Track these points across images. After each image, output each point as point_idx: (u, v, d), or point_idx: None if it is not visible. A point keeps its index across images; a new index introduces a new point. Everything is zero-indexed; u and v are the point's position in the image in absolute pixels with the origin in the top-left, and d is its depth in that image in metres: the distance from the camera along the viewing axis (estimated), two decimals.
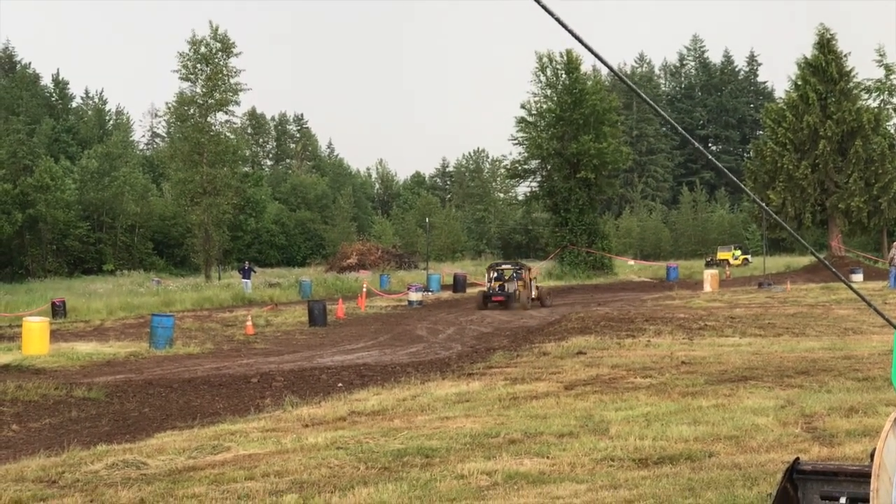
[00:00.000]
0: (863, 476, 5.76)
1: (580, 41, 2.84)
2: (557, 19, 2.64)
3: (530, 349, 27.25)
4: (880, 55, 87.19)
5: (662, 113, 3.11)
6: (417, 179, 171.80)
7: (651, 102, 3.04)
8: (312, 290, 62.74)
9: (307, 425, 16.06)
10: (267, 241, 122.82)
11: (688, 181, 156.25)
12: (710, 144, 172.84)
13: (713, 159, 3.42)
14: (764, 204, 75.17)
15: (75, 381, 23.48)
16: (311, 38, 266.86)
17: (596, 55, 2.85)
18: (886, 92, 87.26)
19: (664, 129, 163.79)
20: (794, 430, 13.53)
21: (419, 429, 15.00)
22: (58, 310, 48.82)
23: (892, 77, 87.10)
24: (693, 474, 11.04)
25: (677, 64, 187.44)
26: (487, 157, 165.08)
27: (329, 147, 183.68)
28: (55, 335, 35.23)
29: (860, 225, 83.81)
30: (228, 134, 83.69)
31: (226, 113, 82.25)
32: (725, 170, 3.23)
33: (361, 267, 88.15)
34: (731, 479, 10.56)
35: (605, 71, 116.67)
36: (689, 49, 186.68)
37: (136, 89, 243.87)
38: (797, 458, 6.10)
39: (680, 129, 3.16)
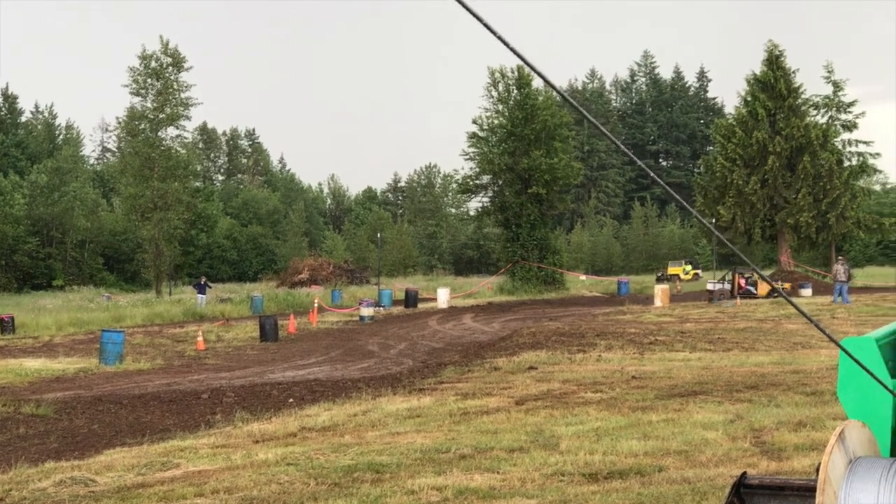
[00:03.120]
0: (809, 490, 5.80)
1: (522, 59, 2.86)
2: (499, 38, 2.66)
3: (481, 364, 27.25)
4: (828, 71, 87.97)
5: (603, 130, 3.13)
6: (369, 194, 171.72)
7: (594, 121, 3.06)
8: (264, 305, 62.50)
9: (257, 441, 16.01)
10: (218, 257, 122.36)
11: (639, 196, 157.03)
12: (660, 160, 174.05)
13: (653, 174, 3.45)
14: (704, 218, 75.52)
15: (23, 398, 23.26)
16: (263, 52, 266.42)
17: (536, 71, 2.86)
18: (834, 108, 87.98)
19: (621, 143, 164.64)
20: (743, 445, 13.62)
21: (370, 444, 14.98)
22: (6, 326, 48.35)
23: (839, 93, 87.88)
24: (642, 489, 11.08)
25: (628, 80, 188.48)
26: (439, 173, 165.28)
27: (281, 162, 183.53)
28: (3, 351, 34.96)
29: (809, 240, 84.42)
30: (179, 149, 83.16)
31: (176, 128, 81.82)
32: (666, 185, 3.26)
33: (313, 282, 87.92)
34: (680, 494, 10.61)
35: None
36: (639, 65, 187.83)
37: (87, 104, 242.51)
38: (744, 473, 6.13)
39: (620, 145, 3.17)
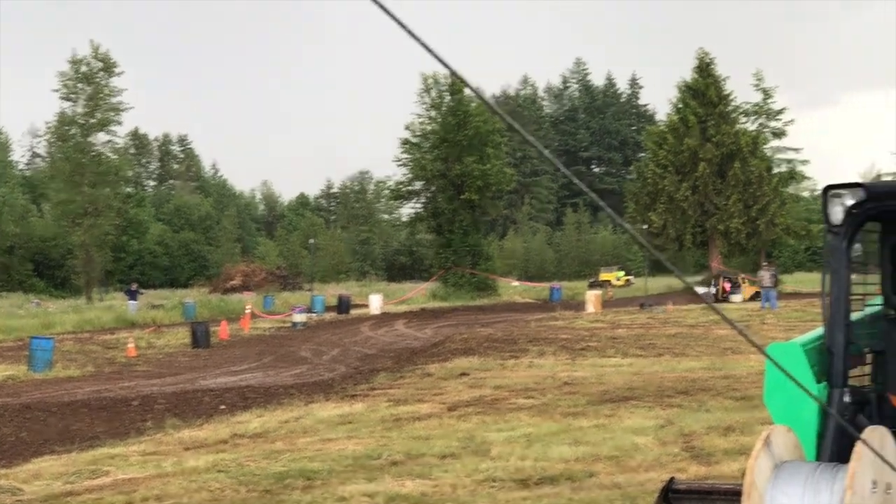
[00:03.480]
0: (736, 494, 5.87)
1: (449, 67, 2.87)
2: (423, 45, 2.66)
3: (413, 370, 27.27)
4: (758, 79, 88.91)
5: (530, 139, 3.15)
6: (302, 200, 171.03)
7: (521, 129, 3.07)
8: (196, 311, 62.04)
9: (188, 448, 15.91)
10: (150, 263, 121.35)
11: (571, 202, 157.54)
12: (592, 166, 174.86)
13: (580, 182, 3.47)
14: (636, 225, 75.81)
15: None
16: (196, 58, 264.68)
17: (461, 80, 2.87)
18: (764, 116, 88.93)
19: (547, 150, 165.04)
20: (673, 450, 13.73)
21: (301, 451, 14.94)
22: None
23: (769, 101, 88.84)
24: (573, 494, 11.13)
25: (561, 86, 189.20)
26: (372, 179, 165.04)
27: (213, 168, 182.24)
28: None
29: (739, 246, 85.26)
30: (110, 154, 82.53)
31: (107, 133, 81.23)
32: (593, 194, 3.27)
33: (245, 288, 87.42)
34: (610, 499, 10.67)
35: (489, 92, 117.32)
36: (572, 72, 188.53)
37: (16, 109, 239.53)
38: (672, 478, 6.19)
39: (545, 152, 3.19)
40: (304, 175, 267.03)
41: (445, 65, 2.75)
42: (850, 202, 7.77)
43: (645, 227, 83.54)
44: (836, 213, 7.81)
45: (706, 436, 14.64)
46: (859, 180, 8.02)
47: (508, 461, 13.15)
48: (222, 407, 22.14)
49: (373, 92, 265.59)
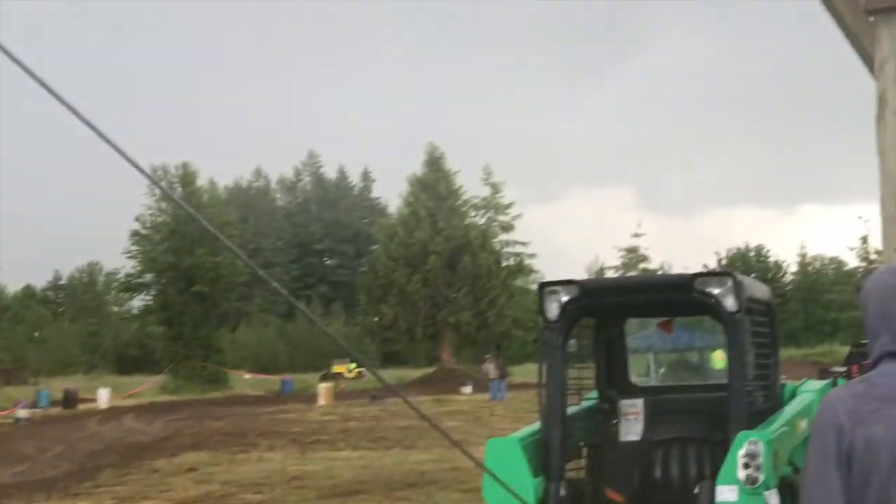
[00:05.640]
0: None
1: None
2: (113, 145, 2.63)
3: (141, 466, 26.64)
4: (486, 174, 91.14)
5: (221, 237, 3.13)
6: (28, 292, 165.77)
7: (209, 227, 3.06)
8: None
9: None
10: None
11: (305, 295, 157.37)
12: (325, 259, 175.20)
13: (277, 285, 3.46)
14: (368, 317, 75.91)
15: None
16: None
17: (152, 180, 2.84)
18: (493, 210, 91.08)
19: (280, 242, 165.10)
20: None
21: None
22: None
23: (497, 195, 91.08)
24: None
25: (293, 179, 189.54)
26: (102, 270, 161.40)
27: None
28: None
29: (469, 338, 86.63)
30: None
31: None
32: (285, 291, 3.27)
33: None
34: None
35: (222, 185, 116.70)
36: (305, 164, 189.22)
37: None
38: None
39: (237, 251, 3.18)
40: (32, 266, 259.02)
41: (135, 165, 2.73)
42: (565, 298, 8.03)
43: (376, 319, 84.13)
44: (552, 310, 8.06)
45: None
46: (574, 277, 8.30)
47: None
48: None
49: (102, 182, 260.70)
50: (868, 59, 7.81)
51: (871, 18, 7.68)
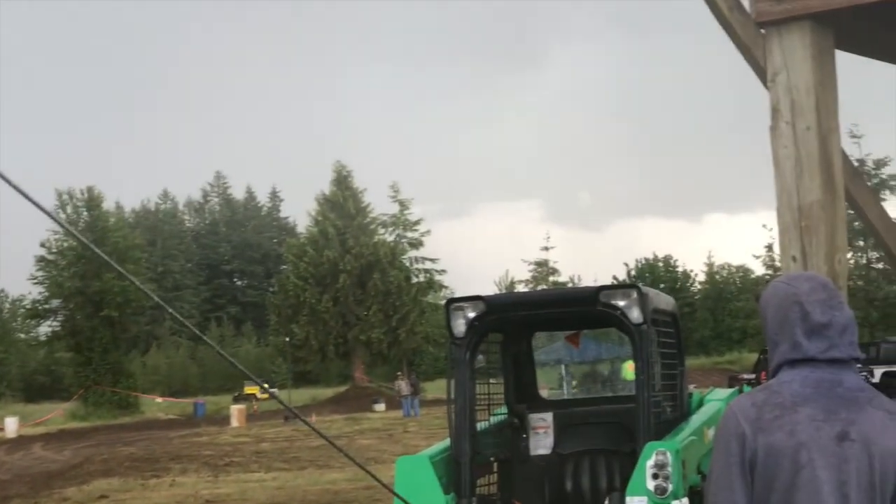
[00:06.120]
0: None
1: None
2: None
3: (50, 495, 26.26)
4: (395, 191, 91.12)
5: (110, 261, 3.11)
6: None
7: (99, 252, 3.04)
8: None
9: None
10: None
11: (215, 316, 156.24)
12: (235, 280, 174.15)
13: (165, 305, 3.44)
14: (280, 336, 75.64)
15: None
16: None
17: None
18: (401, 227, 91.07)
19: (189, 264, 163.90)
20: None
21: None
22: None
23: (405, 212, 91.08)
24: None
25: (201, 200, 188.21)
26: (7, 297, 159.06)
27: None
28: None
29: (381, 356, 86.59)
30: None
31: None
32: (176, 314, 3.26)
33: None
34: None
35: (128, 208, 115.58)
36: (212, 185, 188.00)
37: None
38: None
39: (132, 278, 3.17)
40: None
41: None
42: (471, 314, 8.06)
43: (288, 339, 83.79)
44: (459, 326, 8.09)
45: None
46: (480, 293, 8.33)
47: None
48: None
49: (3, 207, 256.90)
50: (761, 71, 7.89)
51: (763, 31, 7.79)
